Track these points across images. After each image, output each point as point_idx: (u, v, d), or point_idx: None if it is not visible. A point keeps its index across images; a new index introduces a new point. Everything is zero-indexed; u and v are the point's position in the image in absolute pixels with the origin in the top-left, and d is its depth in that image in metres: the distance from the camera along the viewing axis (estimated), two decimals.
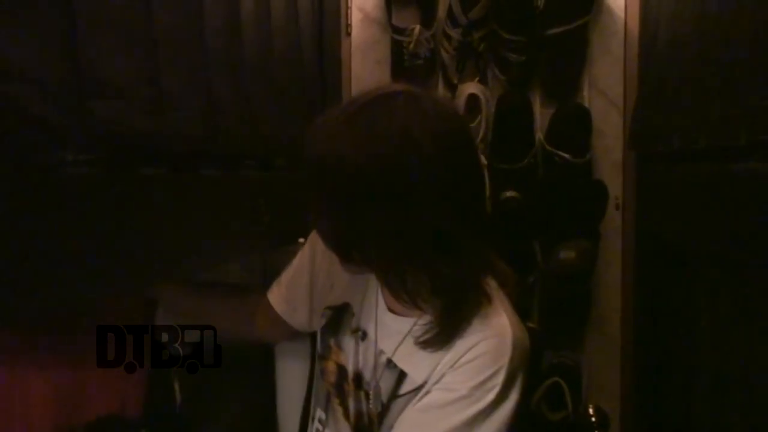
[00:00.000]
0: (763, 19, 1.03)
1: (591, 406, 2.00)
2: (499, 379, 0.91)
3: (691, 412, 1.56)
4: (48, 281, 0.75)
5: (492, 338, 0.93)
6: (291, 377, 1.35)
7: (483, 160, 1.85)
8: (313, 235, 1.17)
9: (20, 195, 0.71)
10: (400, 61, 1.93)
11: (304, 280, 1.18)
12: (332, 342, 1.12)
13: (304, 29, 1.53)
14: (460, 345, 0.94)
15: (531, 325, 1.98)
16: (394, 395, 1.00)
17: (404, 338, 1.01)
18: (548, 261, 1.92)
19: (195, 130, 1.02)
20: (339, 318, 1.12)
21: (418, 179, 0.85)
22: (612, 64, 1.94)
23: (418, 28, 1.88)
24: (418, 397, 0.97)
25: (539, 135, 1.93)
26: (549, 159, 1.89)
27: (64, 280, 0.78)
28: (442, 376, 0.94)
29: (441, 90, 1.98)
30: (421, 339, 0.96)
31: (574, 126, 1.89)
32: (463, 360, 0.93)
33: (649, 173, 1.84)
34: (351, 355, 1.08)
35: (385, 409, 1.01)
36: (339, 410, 1.11)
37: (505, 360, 0.92)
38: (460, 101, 1.88)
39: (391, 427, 0.99)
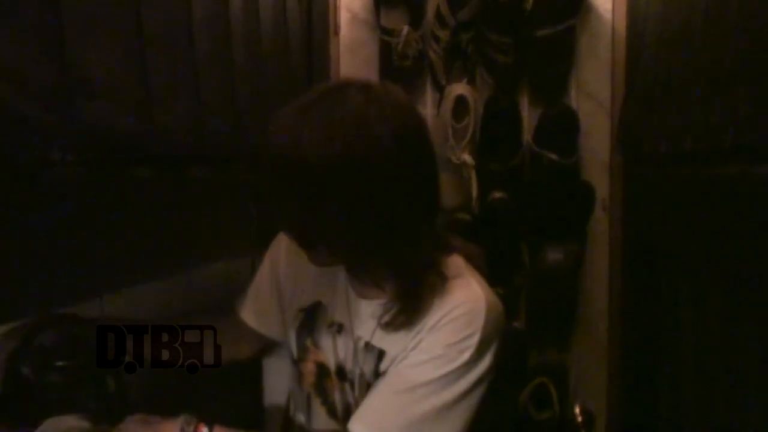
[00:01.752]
0: (750, 23, 1.04)
1: (577, 405, 2.00)
2: (474, 340, 0.93)
3: (677, 411, 1.57)
4: (32, 280, 0.75)
5: (466, 303, 0.95)
6: (276, 382, 1.35)
7: (471, 160, 1.85)
8: (273, 244, 1.19)
9: (6, 194, 0.71)
10: (389, 62, 1.93)
11: (266, 289, 1.18)
12: (309, 342, 1.12)
13: (292, 29, 1.53)
14: (434, 313, 0.95)
15: (517, 325, 1.99)
16: (376, 374, 1.01)
17: (378, 321, 1.02)
18: (535, 262, 1.92)
19: (183, 131, 1.02)
20: (312, 317, 1.12)
21: (375, 168, 0.87)
22: (599, 66, 1.95)
23: (406, 28, 1.88)
24: (396, 361, 0.98)
25: (527, 136, 1.94)
26: (537, 160, 1.89)
27: (48, 279, 0.78)
28: (420, 341, 0.96)
29: (429, 91, 1.98)
30: (384, 320, 0.99)
31: (562, 127, 1.89)
32: (439, 324, 0.94)
33: (636, 175, 1.85)
34: (330, 350, 1.08)
35: (371, 390, 1.01)
36: (322, 410, 1.11)
37: (479, 323, 0.94)
38: (448, 102, 1.88)
39: None
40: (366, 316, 1.04)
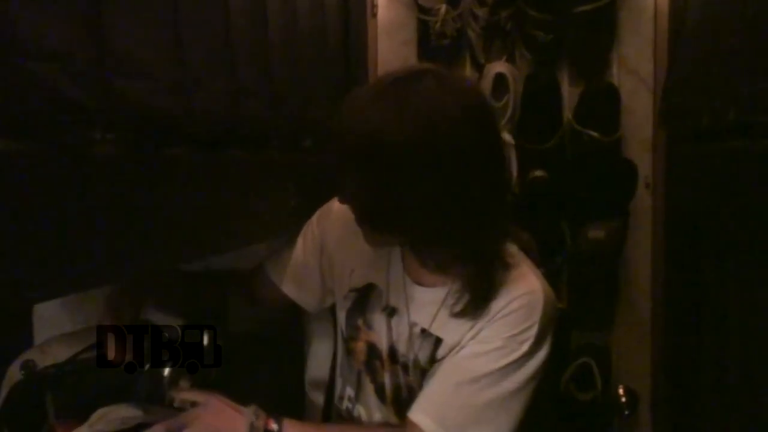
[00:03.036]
0: None
1: (620, 386, 1.99)
2: (532, 332, 0.96)
3: (722, 392, 1.55)
4: (73, 258, 0.77)
5: (525, 296, 0.97)
6: (320, 356, 1.36)
7: (510, 139, 1.84)
8: (319, 217, 1.21)
9: (49, 174, 0.73)
10: (427, 42, 1.93)
11: (311, 261, 1.21)
12: (360, 322, 1.13)
13: (329, 10, 1.53)
14: (494, 305, 0.98)
15: (560, 305, 1.97)
16: (432, 360, 1.03)
17: (438, 309, 1.03)
18: (577, 241, 1.91)
19: (220, 110, 1.03)
20: (365, 298, 1.13)
21: (449, 150, 0.88)
22: (641, 41, 1.91)
23: (444, 7, 1.87)
24: (454, 351, 1.01)
25: (567, 114, 1.92)
26: (577, 138, 1.87)
27: (88, 258, 0.80)
28: (479, 331, 0.98)
29: (468, 70, 1.97)
30: (457, 308, 1.00)
31: (603, 105, 1.87)
32: (498, 315, 0.97)
33: (679, 152, 1.81)
34: (383, 332, 1.10)
35: (427, 376, 1.04)
36: (370, 387, 1.13)
37: (537, 315, 0.97)
38: (488, 81, 1.87)
39: None
40: (424, 302, 1.05)
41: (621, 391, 1.98)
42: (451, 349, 1.01)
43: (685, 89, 1.59)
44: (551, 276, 1.89)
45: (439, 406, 0.98)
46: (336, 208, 1.17)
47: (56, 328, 1.85)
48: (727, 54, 1.29)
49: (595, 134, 1.83)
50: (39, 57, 0.69)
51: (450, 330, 1.02)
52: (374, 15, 1.97)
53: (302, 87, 1.33)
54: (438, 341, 1.03)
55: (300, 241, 1.22)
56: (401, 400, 1.09)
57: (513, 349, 0.96)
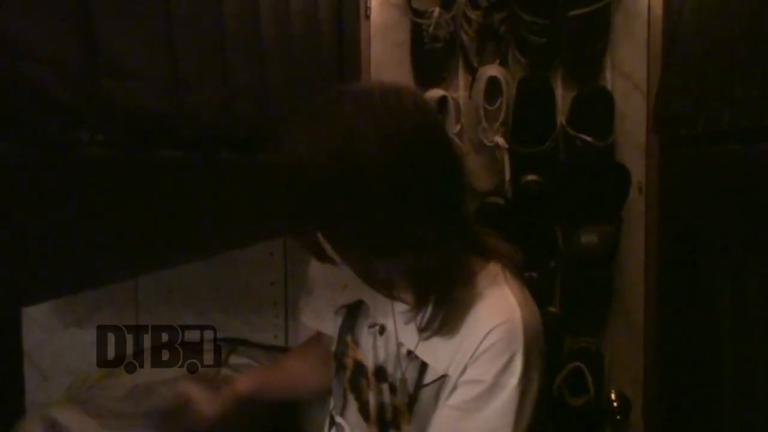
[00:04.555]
0: None
1: (613, 391, 1.99)
2: (518, 362, 0.92)
3: (714, 397, 1.54)
4: (60, 262, 0.76)
5: (503, 324, 0.93)
6: None
7: (503, 143, 1.83)
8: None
9: (36, 175, 0.72)
10: (420, 44, 1.92)
11: (319, 284, 1.21)
12: (349, 339, 1.12)
13: (322, 13, 1.53)
14: (474, 334, 0.95)
15: (552, 309, 1.97)
16: (419, 385, 1.01)
17: (416, 326, 1.01)
18: (570, 245, 1.90)
19: (211, 113, 1.02)
20: (354, 315, 1.12)
21: (364, 176, 0.87)
22: (635, 45, 1.91)
23: (437, 10, 1.86)
24: (447, 391, 0.98)
25: (561, 118, 1.91)
26: (571, 142, 1.87)
27: (77, 261, 0.78)
28: (465, 368, 0.96)
29: (461, 73, 1.96)
30: (420, 325, 0.99)
31: (597, 109, 1.86)
32: (479, 350, 0.94)
33: (673, 156, 1.81)
34: (370, 350, 1.08)
35: (413, 398, 1.02)
36: (354, 404, 1.11)
37: (519, 344, 0.93)
38: (481, 84, 1.86)
39: (422, 415, 1.01)
40: (408, 322, 1.03)
41: (613, 396, 1.98)
42: (438, 377, 0.99)
43: (679, 93, 1.59)
44: (544, 280, 1.92)
45: None
46: None
47: (46, 331, 1.84)
48: (722, 57, 1.29)
49: (588, 138, 1.83)
50: (27, 57, 0.68)
51: (433, 354, 1.00)
52: (367, 17, 1.96)
53: (295, 89, 1.32)
54: (424, 366, 1.01)
55: (310, 264, 1.22)
56: (385, 421, 1.07)
57: (504, 384, 0.93)
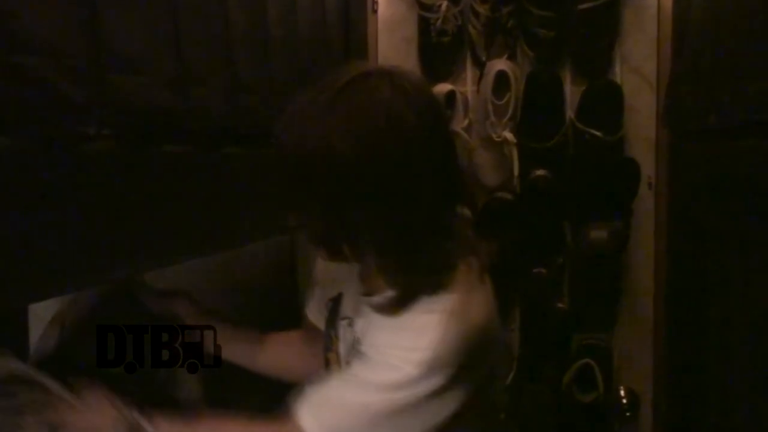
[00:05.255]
0: None
1: (622, 387, 1.98)
2: (425, 356, 0.84)
3: (724, 393, 1.53)
4: (66, 256, 0.75)
5: (433, 314, 0.87)
6: None
7: (512, 138, 1.82)
8: None
9: (42, 169, 0.71)
10: (428, 39, 1.91)
11: (322, 283, 1.18)
12: (332, 332, 1.10)
13: (329, 7, 1.52)
14: (404, 317, 0.89)
15: (561, 305, 1.96)
16: None
17: (368, 313, 0.97)
18: (578, 241, 1.89)
19: (218, 107, 1.01)
20: (336, 308, 1.10)
21: (407, 160, 0.84)
22: (644, 39, 1.89)
23: (445, 4, 1.85)
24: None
25: (569, 113, 1.90)
26: (579, 137, 1.86)
27: (83, 255, 0.78)
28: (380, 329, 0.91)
29: (469, 67, 1.95)
30: (375, 305, 0.93)
31: (606, 103, 1.85)
32: (402, 325, 0.88)
33: (683, 151, 1.80)
34: (343, 342, 1.06)
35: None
36: None
37: (435, 340, 0.85)
38: (489, 78, 1.85)
39: None
40: (364, 312, 0.99)
41: (623, 393, 1.97)
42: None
43: (689, 87, 1.57)
44: (553, 276, 1.91)
45: (320, 402, 0.90)
46: None
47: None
48: (733, 51, 1.28)
49: (597, 133, 1.82)
50: (33, 51, 0.67)
51: (370, 337, 0.94)
52: (375, 11, 1.95)
53: (301, 84, 1.31)
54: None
55: (316, 264, 1.19)
56: None
57: (395, 367, 0.85)
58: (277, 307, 1.98)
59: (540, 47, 1.88)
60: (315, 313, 1.19)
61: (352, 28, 1.71)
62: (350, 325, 1.04)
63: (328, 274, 1.15)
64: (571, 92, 1.92)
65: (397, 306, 0.90)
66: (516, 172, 1.85)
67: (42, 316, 1.78)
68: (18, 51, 0.66)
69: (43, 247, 0.72)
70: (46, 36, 0.69)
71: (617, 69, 1.90)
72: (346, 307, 1.07)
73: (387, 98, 0.84)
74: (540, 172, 1.86)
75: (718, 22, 1.38)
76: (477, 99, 1.92)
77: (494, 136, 1.84)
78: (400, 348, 0.87)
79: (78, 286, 1.02)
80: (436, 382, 0.85)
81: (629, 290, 1.97)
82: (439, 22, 1.86)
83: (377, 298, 0.95)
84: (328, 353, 1.11)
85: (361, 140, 0.82)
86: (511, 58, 1.90)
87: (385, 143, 0.83)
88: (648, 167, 1.89)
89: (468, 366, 0.87)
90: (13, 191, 0.67)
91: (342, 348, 1.06)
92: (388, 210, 0.86)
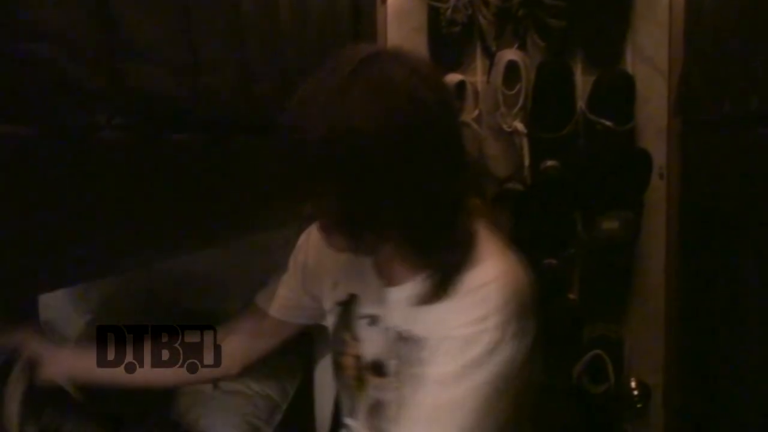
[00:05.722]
0: None
1: (633, 379, 1.97)
2: (491, 323, 0.87)
3: (736, 385, 1.52)
4: (78, 246, 0.75)
5: (490, 283, 0.89)
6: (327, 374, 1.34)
7: (522, 128, 1.81)
8: (302, 240, 1.18)
9: (52, 158, 0.70)
10: (437, 29, 1.89)
11: (296, 287, 1.17)
12: (347, 336, 1.08)
13: None
14: (454, 293, 0.91)
15: (571, 296, 1.95)
16: (419, 364, 0.95)
17: (412, 307, 0.96)
18: (590, 232, 1.88)
19: (228, 96, 1.01)
20: (348, 310, 1.08)
21: (428, 137, 0.84)
22: (656, 28, 1.87)
23: None
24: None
25: (580, 103, 1.88)
26: (590, 127, 1.84)
27: (93, 245, 0.78)
28: (441, 322, 0.91)
29: (479, 57, 1.94)
30: (415, 301, 0.94)
31: (617, 93, 1.83)
32: (457, 307, 0.90)
33: (695, 141, 1.78)
34: (365, 343, 1.05)
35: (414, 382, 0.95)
36: (363, 403, 1.07)
37: (497, 304, 0.88)
38: (499, 68, 1.83)
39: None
40: (397, 303, 0.99)
41: (633, 384, 1.97)
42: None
43: (702, 76, 1.56)
44: (563, 267, 1.90)
45: (432, 418, 0.88)
46: (313, 235, 1.14)
47: (61, 317, 1.84)
48: (747, 39, 1.26)
49: (608, 123, 1.80)
50: (43, 38, 0.67)
51: (427, 327, 0.94)
52: (384, 1, 1.95)
53: (311, 73, 1.31)
54: (420, 342, 0.95)
55: (290, 264, 1.19)
56: (376, 415, 1.04)
57: (475, 342, 0.87)
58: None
59: (551, 37, 1.86)
60: (277, 309, 1.19)
61: (362, 17, 1.70)
62: (374, 323, 1.03)
63: (323, 278, 1.13)
64: (582, 82, 1.90)
65: (441, 290, 0.92)
66: (527, 162, 1.83)
67: (50, 306, 1.78)
68: (29, 38, 0.65)
69: (53, 237, 0.72)
70: (58, 23, 0.69)
71: (629, 58, 1.88)
72: (365, 306, 1.05)
73: (402, 76, 0.83)
74: (551, 162, 1.84)
75: (730, 10, 1.36)
76: (487, 89, 1.90)
77: (504, 126, 1.82)
78: (471, 323, 0.88)
79: (87, 277, 1.02)
80: (511, 341, 0.88)
81: (640, 281, 1.96)
82: (449, 11, 1.85)
83: (411, 289, 0.96)
84: (341, 357, 1.09)
85: (383, 118, 0.81)
86: (522, 47, 1.88)
87: (407, 119, 0.82)
88: (660, 157, 1.88)
89: (528, 320, 0.91)
90: (24, 180, 0.67)
91: (367, 348, 1.04)
92: (413, 186, 0.85)
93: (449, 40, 1.89)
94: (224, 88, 0.99)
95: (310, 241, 1.15)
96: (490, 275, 0.90)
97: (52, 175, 0.71)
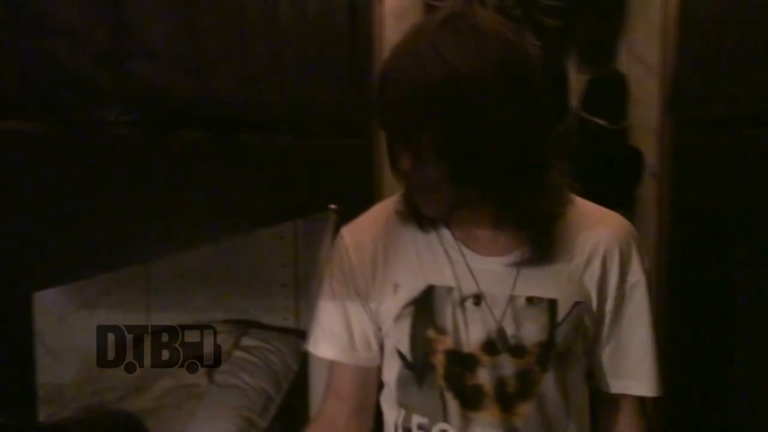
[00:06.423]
0: None
1: None
2: (636, 255, 1.01)
3: (725, 386, 1.54)
4: (87, 239, 0.76)
5: (622, 228, 1.03)
6: None
7: None
8: (337, 260, 1.06)
9: (62, 154, 0.72)
10: None
11: (353, 311, 1.06)
12: (431, 333, 0.99)
13: None
14: (587, 242, 1.00)
15: None
16: (554, 325, 0.95)
17: (526, 271, 0.96)
18: None
19: (232, 94, 1.02)
20: (427, 306, 0.99)
21: (529, 83, 0.86)
22: (650, 29, 1.89)
23: None
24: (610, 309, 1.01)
25: (574, 101, 1.90)
26: (584, 126, 1.86)
27: (101, 238, 0.79)
28: (620, 276, 1.00)
29: None
30: (525, 262, 0.96)
31: (611, 92, 1.86)
32: (624, 259, 1.00)
33: (687, 140, 1.80)
34: (470, 326, 0.97)
35: (548, 346, 0.95)
36: (455, 402, 0.98)
37: (634, 238, 1.02)
38: None
39: (560, 357, 0.97)
40: (503, 273, 0.96)
41: None
42: (572, 306, 0.96)
43: (694, 77, 1.58)
44: None
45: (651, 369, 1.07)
46: (347, 240, 1.05)
47: (57, 313, 1.85)
48: (740, 41, 1.28)
49: (601, 122, 1.82)
50: (54, 35, 0.68)
51: (553, 287, 0.96)
52: (381, 0, 1.95)
53: (310, 71, 1.32)
54: (552, 303, 0.95)
55: (327, 291, 1.07)
56: (506, 394, 0.97)
57: (645, 279, 1.01)
58: (281, 292, 1.99)
59: (546, 36, 1.87)
60: (346, 352, 1.05)
61: (359, 15, 1.71)
62: (479, 302, 0.97)
63: (371, 288, 1.03)
64: (576, 81, 1.92)
65: (550, 250, 0.97)
66: None
67: (47, 301, 1.78)
68: (41, 36, 0.67)
69: (59, 229, 0.73)
70: (69, 22, 0.70)
71: (622, 58, 1.91)
72: (461, 289, 0.98)
73: (489, 24, 0.85)
74: None
75: (723, 12, 1.38)
76: None
77: None
78: (638, 263, 1.01)
79: (91, 272, 1.03)
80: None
81: None
82: None
83: (518, 256, 0.96)
84: (429, 358, 1.00)
85: (479, 58, 0.81)
86: None
87: (501, 57, 0.83)
88: (651, 156, 1.90)
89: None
90: (29, 176, 0.68)
91: (472, 333, 0.97)
92: (512, 127, 0.84)
93: None
94: (227, 86, 1.00)
95: (349, 252, 1.05)
96: (620, 223, 1.04)
97: (61, 170, 0.72)
